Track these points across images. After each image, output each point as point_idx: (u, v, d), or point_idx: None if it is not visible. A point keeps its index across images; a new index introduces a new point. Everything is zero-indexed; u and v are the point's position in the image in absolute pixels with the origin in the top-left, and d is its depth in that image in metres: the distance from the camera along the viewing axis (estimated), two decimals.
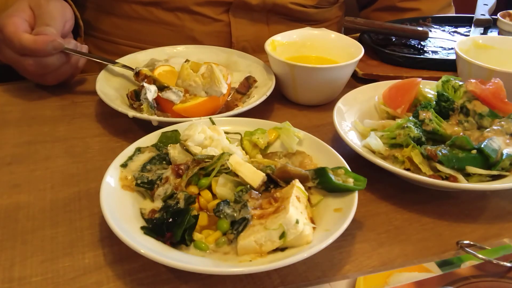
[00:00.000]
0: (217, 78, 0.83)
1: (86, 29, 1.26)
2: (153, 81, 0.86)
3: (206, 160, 0.64)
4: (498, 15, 1.20)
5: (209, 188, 0.62)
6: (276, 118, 0.89)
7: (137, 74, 0.87)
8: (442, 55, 1.08)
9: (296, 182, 0.61)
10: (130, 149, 0.69)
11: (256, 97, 0.86)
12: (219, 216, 0.58)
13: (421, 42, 1.12)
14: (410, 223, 0.66)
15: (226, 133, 0.72)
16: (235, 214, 0.58)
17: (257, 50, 1.17)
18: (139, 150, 0.69)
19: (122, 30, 1.19)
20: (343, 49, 0.97)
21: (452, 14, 1.38)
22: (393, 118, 0.78)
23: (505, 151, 0.67)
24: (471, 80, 0.76)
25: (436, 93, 0.77)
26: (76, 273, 0.57)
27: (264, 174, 0.62)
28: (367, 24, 1.11)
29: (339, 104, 0.79)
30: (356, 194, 0.60)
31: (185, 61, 0.89)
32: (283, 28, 1.05)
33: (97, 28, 1.23)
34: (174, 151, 0.67)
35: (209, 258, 0.55)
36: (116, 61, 0.95)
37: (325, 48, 1.00)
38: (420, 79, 0.79)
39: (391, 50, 1.08)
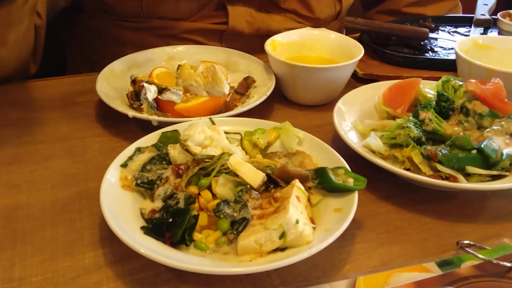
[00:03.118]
0: (219, 78, 0.83)
1: (78, 47, 1.27)
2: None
3: (206, 160, 0.64)
4: (498, 15, 1.20)
5: (209, 188, 0.62)
6: (276, 118, 0.89)
7: (134, 82, 0.86)
8: (442, 55, 1.08)
9: (296, 182, 0.61)
10: (130, 149, 0.69)
11: (256, 97, 0.86)
12: (219, 216, 0.58)
13: (421, 42, 1.12)
14: (410, 223, 0.66)
15: (226, 133, 0.72)
16: (235, 214, 0.58)
17: None
18: (139, 150, 0.68)
19: (111, 53, 1.13)
20: (343, 49, 0.97)
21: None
22: (393, 118, 0.78)
23: (505, 151, 0.67)
24: (471, 80, 0.76)
25: (436, 93, 0.77)
26: (76, 273, 0.57)
27: (264, 174, 0.62)
28: (367, 24, 1.11)
29: (339, 104, 0.79)
30: (356, 194, 0.60)
31: (178, 68, 0.88)
32: None
33: (88, 48, 1.23)
34: (174, 151, 0.67)
35: (209, 258, 0.55)
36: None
37: (325, 48, 1.00)
38: (420, 79, 0.79)
39: (391, 50, 1.08)
